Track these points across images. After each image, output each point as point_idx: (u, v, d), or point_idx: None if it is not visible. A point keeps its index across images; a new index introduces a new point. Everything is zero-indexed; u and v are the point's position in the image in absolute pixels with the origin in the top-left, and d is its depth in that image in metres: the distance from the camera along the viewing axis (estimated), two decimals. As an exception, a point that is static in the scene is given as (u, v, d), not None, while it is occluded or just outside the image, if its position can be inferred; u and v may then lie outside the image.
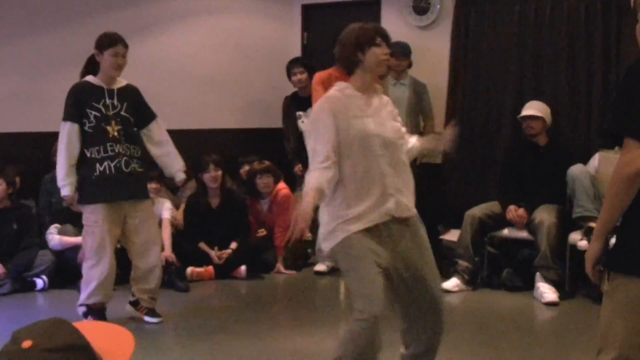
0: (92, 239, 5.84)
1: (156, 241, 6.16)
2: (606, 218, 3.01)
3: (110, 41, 5.82)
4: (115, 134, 5.79)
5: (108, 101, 5.82)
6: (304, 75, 8.38)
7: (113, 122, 5.80)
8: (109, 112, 5.81)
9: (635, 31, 3.01)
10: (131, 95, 5.99)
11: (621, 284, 2.94)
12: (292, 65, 8.56)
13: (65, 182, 5.76)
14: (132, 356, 5.47)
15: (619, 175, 2.90)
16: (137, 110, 5.99)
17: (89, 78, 5.86)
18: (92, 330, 1.93)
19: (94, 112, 5.75)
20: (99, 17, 7.99)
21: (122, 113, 5.87)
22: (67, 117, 5.76)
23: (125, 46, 5.88)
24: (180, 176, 6.22)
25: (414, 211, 4.16)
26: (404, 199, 4.09)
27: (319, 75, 7.54)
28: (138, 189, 5.99)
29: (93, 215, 5.81)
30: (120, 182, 5.80)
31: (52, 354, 1.78)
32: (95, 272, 5.85)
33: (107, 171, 5.75)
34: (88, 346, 1.85)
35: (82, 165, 5.80)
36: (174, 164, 6.18)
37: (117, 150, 5.78)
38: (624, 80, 2.95)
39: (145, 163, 6.10)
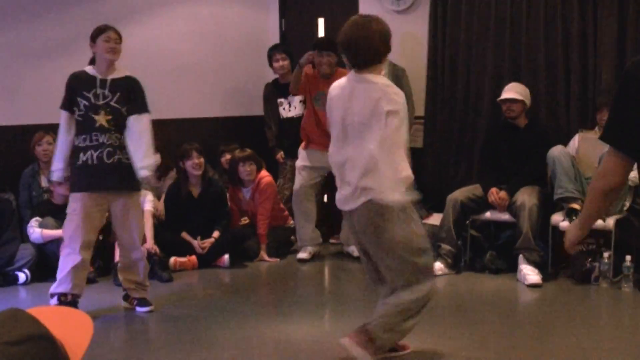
0: (69, 227, 5.89)
1: (140, 234, 6.17)
2: (585, 217, 3.11)
3: (100, 29, 5.89)
4: (104, 123, 5.80)
5: (99, 91, 5.83)
6: (286, 62, 8.38)
7: (102, 112, 5.81)
8: (99, 101, 5.82)
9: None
10: (126, 85, 5.95)
11: None
12: (273, 52, 8.54)
13: (54, 168, 5.92)
14: (117, 347, 5.49)
15: (593, 186, 2.97)
16: (128, 99, 5.93)
17: (87, 68, 5.93)
18: (49, 316, 1.91)
19: (83, 101, 5.79)
20: (75, 9, 7.93)
21: (112, 103, 5.86)
22: (62, 105, 5.89)
23: (117, 32, 5.94)
24: (140, 173, 5.88)
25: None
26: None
27: (309, 71, 7.65)
28: (123, 180, 5.92)
29: (74, 203, 5.86)
30: (102, 172, 5.80)
31: (14, 347, 1.76)
32: (68, 260, 5.84)
33: (90, 161, 5.78)
34: (49, 334, 1.84)
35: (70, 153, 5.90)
36: (140, 160, 5.85)
37: (101, 140, 5.78)
38: (621, 87, 2.82)
39: None
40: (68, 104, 5.84)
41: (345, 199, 4.68)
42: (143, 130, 5.94)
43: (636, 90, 2.73)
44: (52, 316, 1.96)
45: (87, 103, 5.79)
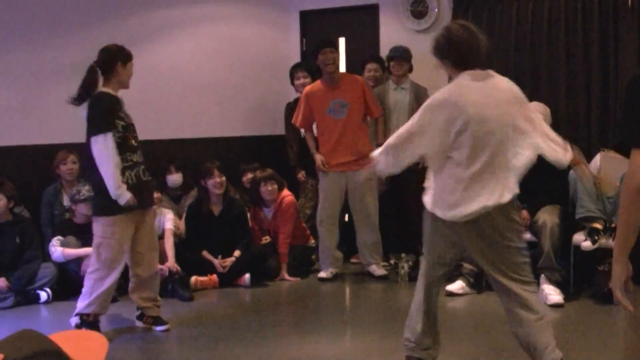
0: (107, 252, 5.81)
1: (157, 248, 6.25)
2: (621, 237, 2.84)
3: (130, 55, 5.90)
4: (134, 142, 5.84)
5: (126, 110, 5.87)
6: (308, 80, 8.40)
7: (132, 131, 5.86)
8: (130, 120, 5.86)
9: None
10: None
11: None
12: (295, 70, 8.59)
13: (120, 191, 5.65)
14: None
15: (626, 188, 2.81)
16: None
17: (105, 89, 5.81)
18: (62, 338, 1.93)
19: (121, 122, 5.75)
20: (96, 28, 7.98)
21: (133, 121, 5.92)
22: (105, 128, 5.65)
23: None
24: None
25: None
26: None
27: (306, 88, 7.65)
28: (150, 196, 6.10)
29: (111, 227, 5.78)
30: (140, 190, 5.83)
31: None
32: (102, 283, 5.85)
33: (130, 181, 5.76)
34: (59, 350, 1.85)
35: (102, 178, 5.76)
36: None
37: (134, 160, 5.82)
38: (628, 91, 2.88)
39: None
40: (111, 126, 5.66)
41: (484, 205, 4.33)
42: None
43: None
44: (65, 338, 1.98)
45: (124, 123, 5.77)
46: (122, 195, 5.66)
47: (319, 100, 7.69)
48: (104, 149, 5.63)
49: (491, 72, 4.53)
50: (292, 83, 8.64)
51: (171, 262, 7.24)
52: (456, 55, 4.49)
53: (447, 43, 4.51)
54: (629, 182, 2.78)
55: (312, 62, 8.63)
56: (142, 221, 5.96)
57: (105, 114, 5.69)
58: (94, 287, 5.86)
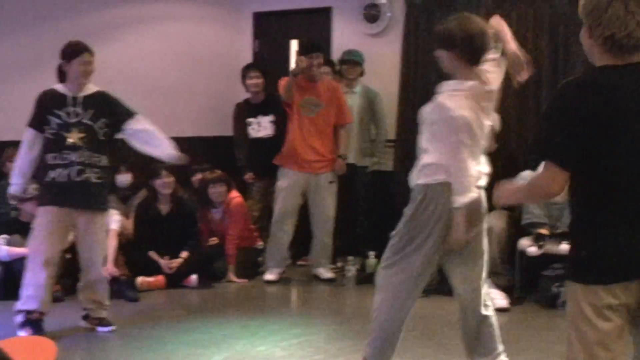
0: (32, 242, 5.92)
1: (101, 255, 6.13)
2: (518, 199, 3.65)
3: (76, 50, 5.86)
4: (77, 141, 5.79)
5: (71, 109, 5.84)
6: (260, 80, 8.35)
7: (75, 130, 5.80)
8: (71, 119, 5.82)
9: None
10: (99, 101, 5.95)
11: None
12: (247, 70, 8.51)
13: (14, 182, 5.92)
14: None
15: (532, 190, 3.20)
16: (109, 114, 5.95)
17: (57, 86, 5.91)
18: (12, 345, 1.92)
19: (55, 120, 5.78)
20: (47, 25, 7.90)
21: (85, 121, 5.85)
22: (29, 123, 5.87)
23: (92, 53, 5.93)
24: (172, 155, 6.10)
25: None
26: None
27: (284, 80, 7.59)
28: (90, 198, 5.91)
29: (39, 218, 5.88)
30: (70, 189, 5.79)
31: None
32: (31, 276, 5.81)
33: (58, 178, 5.77)
34: (7, 357, 1.84)
35: (39, 170, 5.86)
36: (163, 147, 6.07)
37: (72, 159, 5.77)
38: (551, 104, 3.02)
39: (107, 174, 6.09)
40: (37, 122, 5.81)
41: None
42: (148, 127, 6.09)
43: (577, 107, 2.89)
44: (15, 345, 1.97)
45: (59, 121, 5.78)
46: (12, 186, 5.96)
47: (296, 93, 7.64)
48: (23, 140, 5.89)
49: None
50: (244, 82, 8.56)
51: (111, 266, 7.02)
52: (469, 47, 4.38)
53: (462, 33, 4.37)
54: (536, 189, 3.14)
55: (264, 63, 8.59)
56: (81, 223, 5.91)
57: (34, 110, 5.88)
58: (26, 280, 5.86)
